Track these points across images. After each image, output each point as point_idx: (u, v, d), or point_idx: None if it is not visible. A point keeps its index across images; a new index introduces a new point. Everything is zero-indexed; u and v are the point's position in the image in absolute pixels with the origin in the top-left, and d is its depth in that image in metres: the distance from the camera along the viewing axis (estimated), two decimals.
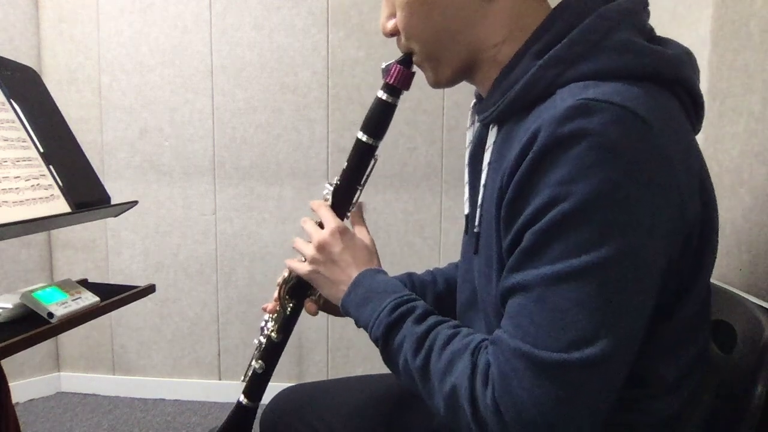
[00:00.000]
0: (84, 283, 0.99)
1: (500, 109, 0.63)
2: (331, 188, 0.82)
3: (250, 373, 0.89)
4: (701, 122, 0.64)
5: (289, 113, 2.06)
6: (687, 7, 1.19)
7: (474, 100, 0.76)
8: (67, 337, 2.19)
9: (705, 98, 0.63)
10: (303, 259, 0.80)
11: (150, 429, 1.96)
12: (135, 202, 1.07)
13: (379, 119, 0.77)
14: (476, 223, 0.67)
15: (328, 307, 0.89)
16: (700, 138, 0.63)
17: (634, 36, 0.57)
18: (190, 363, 2.19)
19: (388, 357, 0.67)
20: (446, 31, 0.66)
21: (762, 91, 0.91)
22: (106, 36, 2.06)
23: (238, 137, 2.08)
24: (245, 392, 0.89)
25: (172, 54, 2.05)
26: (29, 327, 0.80)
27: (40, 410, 2.08)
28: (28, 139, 0.94)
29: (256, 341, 0.90)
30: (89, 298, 0.91)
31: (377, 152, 0.80)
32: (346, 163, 0.80)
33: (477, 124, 0.75)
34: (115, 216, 1.11)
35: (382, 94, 0.75)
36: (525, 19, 0.63)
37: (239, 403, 0.90)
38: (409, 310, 0.66)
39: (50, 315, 0.82)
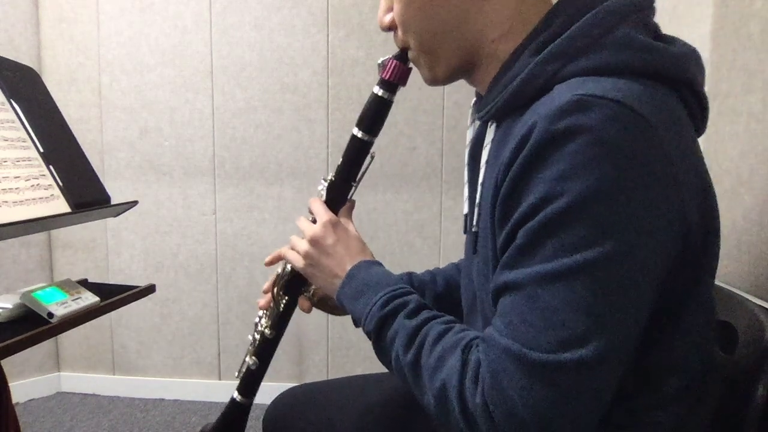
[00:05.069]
0: (84, 283, 0.98)
1: (498, 106, 0.61)
2: (326, 184, 0.80)
3: (244, 370, 0.88)
4: (706, 123, 0.63)
5: (289, 113, 2.06)
6: (687, 7, 1.19)
7: (474, 99, 0.75)
8: (67, 337, 2.19)
9: None
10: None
11: (150, 429, 1.96)
12: (135, 202, 1.07)
13: (374, 115, 0.76)
14: (474, 222, 0.65)
15: (322, 304, 0.89)
16: (700, 138, 0.62)
17: (638, 32, 0.56)
18: (190, 363, 2.19)
19: (381, 351, 0.66)
20: (444, 23, 0.64)
21: (762, 91, 0.91)
22: (106, 36, 2.06)
23: (238, 137, 2.08)
24: (239, 389, 0.89)
25: (172, 54, 2.05)
26: (29, 327, 0.80)
27: (40, 410, 2.08)
28: (28, 139, 0.94)
29: (250, 337, 0.89)
30: (89, 298, 0.90)
31: (374, 150, 0.79)
32: (341, 159, 0.79)
33: (476, 123, 0.74)
34: (115, 216, 1.11)
35: (377, 90, 0.75)
36: (526, 14, 0.62)
37: (233, 399, 0.89)
38: (402, 304, 0.65)
39: (50, 315, 0.82)
